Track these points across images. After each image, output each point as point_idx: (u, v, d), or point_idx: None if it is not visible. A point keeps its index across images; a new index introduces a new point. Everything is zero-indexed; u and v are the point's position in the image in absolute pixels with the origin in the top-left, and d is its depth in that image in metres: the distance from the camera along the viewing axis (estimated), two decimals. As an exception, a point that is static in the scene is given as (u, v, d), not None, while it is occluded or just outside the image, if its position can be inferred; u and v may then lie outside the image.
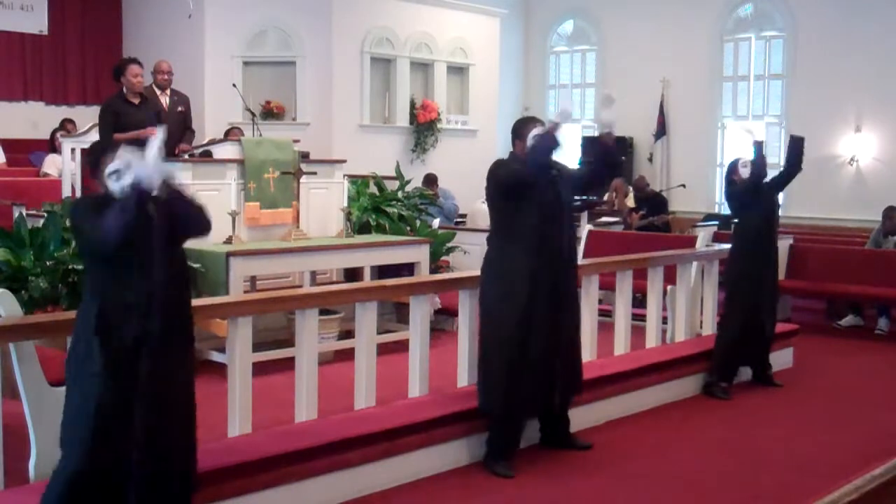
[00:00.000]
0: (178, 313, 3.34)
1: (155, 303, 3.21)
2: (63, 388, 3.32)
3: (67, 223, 3.13)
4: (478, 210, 10.00)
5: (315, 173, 7.11)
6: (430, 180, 10.55)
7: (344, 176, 7.46)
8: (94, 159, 3.28)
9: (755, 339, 6.32)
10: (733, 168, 6.38)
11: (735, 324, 6.20)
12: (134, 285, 3.20)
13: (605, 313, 7.30)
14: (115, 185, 3.12)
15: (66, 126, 11.21)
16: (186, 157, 7.32)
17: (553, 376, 4.70)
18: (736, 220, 6.59)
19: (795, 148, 6.47)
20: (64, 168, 8.66)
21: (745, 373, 6.48)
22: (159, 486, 3.28)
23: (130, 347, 3.19)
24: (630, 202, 11.83)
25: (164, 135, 3.18)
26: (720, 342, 6.27)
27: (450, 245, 7.98)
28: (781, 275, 8.96)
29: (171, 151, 7.73)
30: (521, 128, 4.85)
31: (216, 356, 6.04)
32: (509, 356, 4.58)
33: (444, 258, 8.02)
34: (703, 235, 8.09)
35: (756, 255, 6.27)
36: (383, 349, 5.36)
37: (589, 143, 14.18)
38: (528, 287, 4.57)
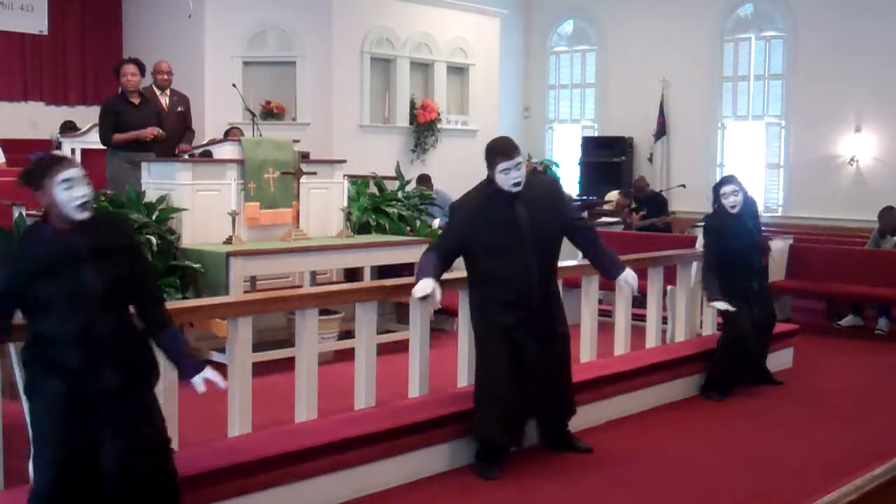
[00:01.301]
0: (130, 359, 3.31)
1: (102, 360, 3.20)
2: None
3: None
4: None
5: (315, 173, 7.11)
6: (424, 179, 10.49)
7: (344, 176, 7.46)
8: (39, 170, 3.22)
9: (751, 353, 6.28)
10: (718, 187, 6.22)
11: (730, 341, 6.15)
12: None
13: (605, 313, 7.30)
14: (64, 194, 3.15)
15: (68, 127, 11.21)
16: (186, 157, 7.32)
17: (539, 410, 4.73)
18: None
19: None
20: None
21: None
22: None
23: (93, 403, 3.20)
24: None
25: None
26: (717, 360, 6.19)
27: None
28: (781, 275, 8.99)
29: (170, 152, 7.74)
30: (488, 155, 4.62)
31: (216, 356, 6.03)
32: (494, 393, 4.59)
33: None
34: (702, 235, 8.08)
35: (740, 270, 6.18)
36: (383, 349, 5.35)
37: (588, 143, 14.24)
38: (504, 331, 4.56)
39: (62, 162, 3.24)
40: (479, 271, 4.65)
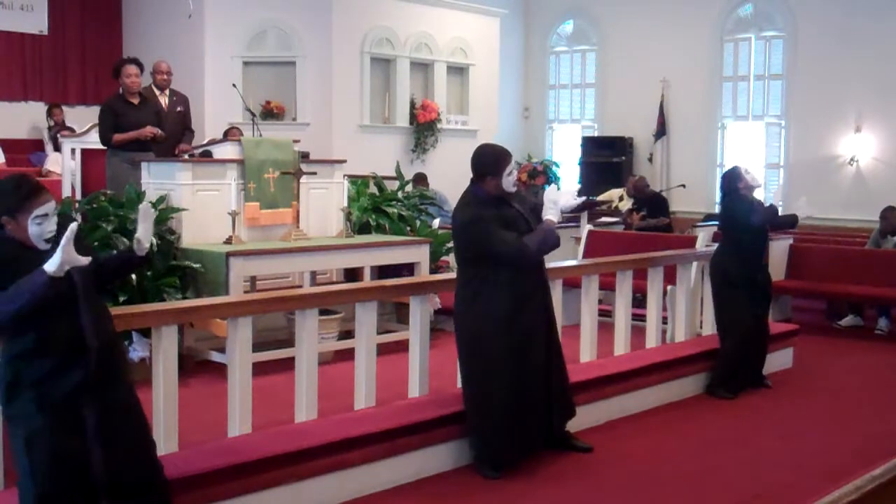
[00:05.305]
0: (110, 348, 3.33)
1: (89, 353, 3.21)
2: None
3: None
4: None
5: (315, 173, 7.11)
6: (420, 179, 10.46)
7: (344, 176, 7.46)
8: (15, 199, 3.17)
9: (756, 345, 6.28)
10: (738, 176, 6.15)
11: (737, 333, 6.15)
12: (63, 340, 3.19)
13: (605, 313, 7.30)
14: (36, 229, 3.14)
15: (53, 112, 11.21)
16: (186, 157, 7.32)
17: (549, 408, 4.71)
18: (728, 226, 6.35)
19: (788, 222, 6.51)
20: (64, 168, 8.65)
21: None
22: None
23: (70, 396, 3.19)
24: (625, 204, 11.80)
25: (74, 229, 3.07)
26: (723, 361, 6.18)
27: (450, 245, 7.97)
28: (781, 275, 8.99)
29: (170, 152, 7.74)
30: (496, 163, 4.66)
31: (216, 356, 6.04)
32: (505, 401, 4.54)
33: (444, 258, 8.01)
34: (703, 235, 8.10)
35: (749, 260, 6.20)
36: (383, 349, 5.35)
37: (588, 143, 14.24)
38: (512, 330, 4.53)
39: (38, 194, 3.18)
40: (494, 274, 4.56)
